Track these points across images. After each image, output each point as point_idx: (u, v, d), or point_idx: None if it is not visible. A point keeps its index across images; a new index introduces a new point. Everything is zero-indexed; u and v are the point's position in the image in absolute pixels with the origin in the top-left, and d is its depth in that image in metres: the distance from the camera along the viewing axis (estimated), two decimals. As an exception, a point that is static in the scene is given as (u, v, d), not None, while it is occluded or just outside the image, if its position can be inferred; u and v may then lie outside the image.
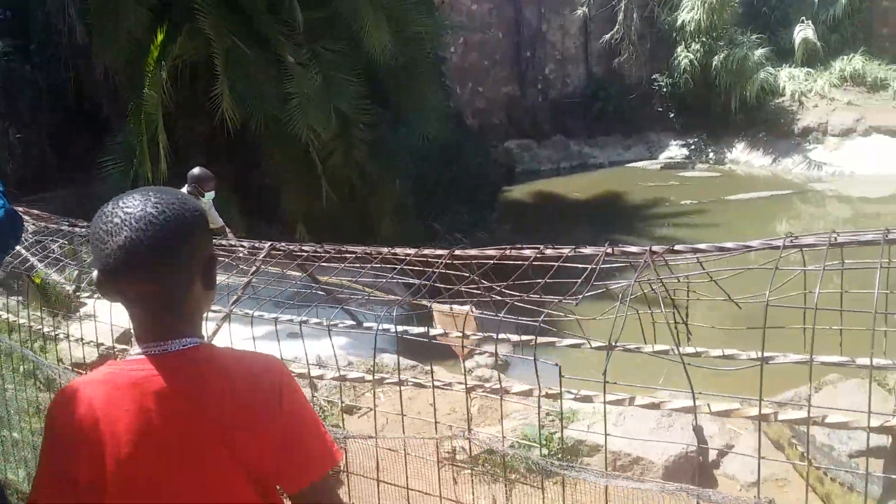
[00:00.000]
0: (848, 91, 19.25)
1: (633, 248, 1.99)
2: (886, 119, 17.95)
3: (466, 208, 12.56)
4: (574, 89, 22.85)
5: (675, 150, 21.59)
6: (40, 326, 5.61)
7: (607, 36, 21.85)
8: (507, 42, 22.32)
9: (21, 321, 5.57)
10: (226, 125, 10.92)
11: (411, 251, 2.40)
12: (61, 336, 5.41)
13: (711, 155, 20.72)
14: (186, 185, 7.37)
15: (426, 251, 2.42)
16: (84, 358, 5.71)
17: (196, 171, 7.53)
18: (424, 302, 2.72)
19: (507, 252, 2.08)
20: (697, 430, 4.81)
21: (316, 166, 11.53)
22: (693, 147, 21.20)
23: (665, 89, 21.55)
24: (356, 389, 6.23)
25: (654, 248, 1.82)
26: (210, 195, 7.37)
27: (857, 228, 14.65)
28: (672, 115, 21.86)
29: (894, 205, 16.24)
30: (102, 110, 13.67)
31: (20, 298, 6.02)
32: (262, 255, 2.95)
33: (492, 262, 2.16)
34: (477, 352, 6.99)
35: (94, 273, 1.38)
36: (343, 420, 5.71)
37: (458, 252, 2.25)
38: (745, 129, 20.33)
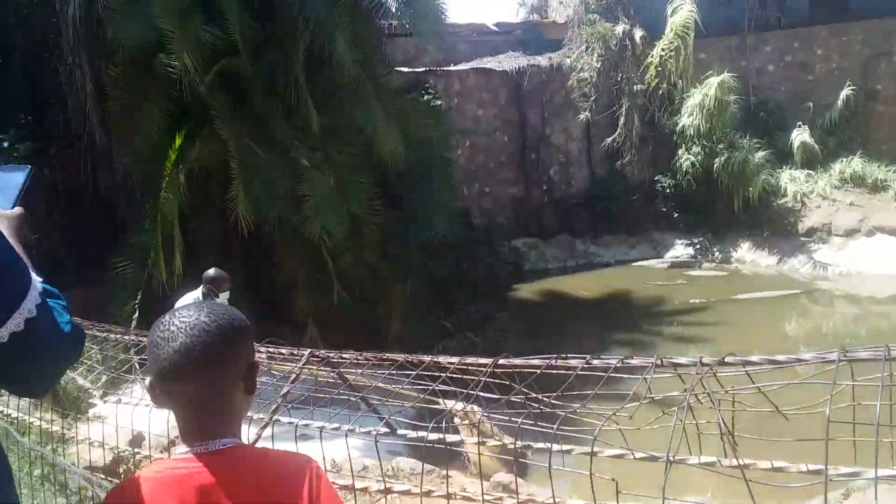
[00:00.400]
0: (849, 192, 19.58)
1: (683, 360, 1.98)
2: (889, 219, 18.18)
3: (476, 307, 12.59)
4: (578, 190, 23.28)
5: (680, 250, 21.77)
6: (54, 428, 5.56)
7: (609, 139, 22.40)
8: (512, 145, 22.94)
9: (33, 421, 5.51)
10: (239, 226, 11.11)
11: (454, 359, 2.40)
12: (73, 438, 5.35)
13: (717, 254, 20.87)
14: (202, 286, 7.40)
15: (469, 360, 2.42)
16: (97, 460, 5.61)
17: (212, 272, 7.58)
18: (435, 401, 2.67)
19: (553, 362, 2.08)
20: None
21: (328, 266, 11.65)
22: (698, 246, 21.39)
23: (668, 190, 21.94)
24: (371, 496, 6.09)
25: (705, 360, 1.82)
26: (225, 296, 7.39)
27: (870, 328, 14.60)
28: (676, 214, 22.16)
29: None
30: (118, 212, 13.94)
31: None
32: (301, 363, 2.98)
33: (538, 371, 2.15)
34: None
35: (149, 379, 1.51)
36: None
37: (501, 361, 2.25)
38: (749, 229, 20.56)
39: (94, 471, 5.55)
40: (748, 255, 20.31)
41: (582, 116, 22.52)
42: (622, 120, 22.28)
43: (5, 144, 13.37)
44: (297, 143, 11.52)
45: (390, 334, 11.65)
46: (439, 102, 19.98)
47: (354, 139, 12.24)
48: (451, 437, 2.96)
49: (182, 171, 11.00)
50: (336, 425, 3.27)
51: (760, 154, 20.06)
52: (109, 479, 5.41)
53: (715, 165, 20.26)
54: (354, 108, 12.15)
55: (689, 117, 20.63)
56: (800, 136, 20.41)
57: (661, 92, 21.73)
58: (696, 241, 21.51)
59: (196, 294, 7.32)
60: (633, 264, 21.49)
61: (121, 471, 5.77)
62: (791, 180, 20.05)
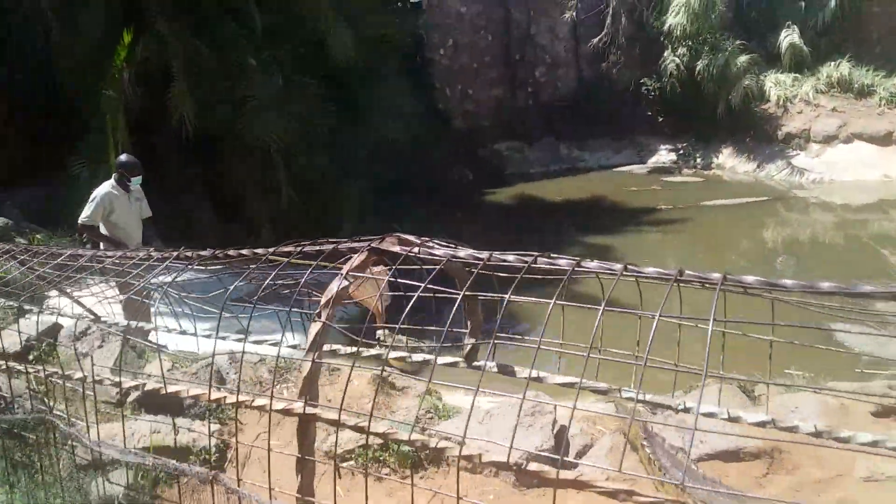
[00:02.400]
0: (834, 97, 19.13)
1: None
2: (869, 126, 17.84)
3: (428, 209, 12.72)
4: (564, 92, 22.91)
5: (664, 155, 21.57)
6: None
7: (596, 39, 21.87)
8: (496, 44, 22.43)
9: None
10: (184, 128, 11.16)
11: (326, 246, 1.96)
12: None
13: (699, 160, 20.69)
14: (114, 173, 7.52)
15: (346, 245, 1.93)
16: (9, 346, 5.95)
17: (122, 157, 7.71)
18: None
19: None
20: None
21: (278, 169, 11.75)
22: (681, 152, 21.19)
23: (654, 93, 21.56)
24: (261, 385, 6.41)
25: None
26: (137, 180, 7.48)
27: (833, 236, 14.58)
28: (661, 119, 21.85)
29: (875, 212, 16.21)
30: (80, 113, 13.98)
31: None
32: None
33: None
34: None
35: None
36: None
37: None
38: (731, 134, 20.29)
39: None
40: (729, 161, 20.11)
41: (567, 15, 21.92)
42: (609, 19, 21.68)
43: (-38, 43, 13.34)
44: (244, 42, 11.40)
45: (342, 234, 11.83)
46: (418, -1, 19.53)
47: (303, 39, 12.09)
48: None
49: (127, 71, 10.97)
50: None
51: (744, 57, 19.52)
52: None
53: (698, 68, 19.80)
54: (302, 5, 11.94)
55: (675, 17, 20.01)
56: (788, 37, 19.80)
57: (649, -11, 21.03)
58: (679, 146, 21.29)
59: (111, 182, 7.48)
60: (616, 169, 21.37)
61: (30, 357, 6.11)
62: (776, 84, 19.59)
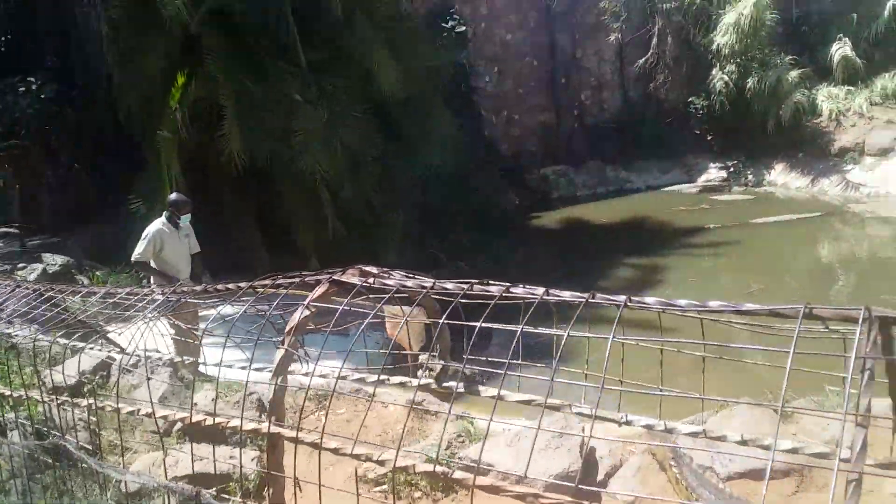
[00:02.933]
0: (889, 108, 18.75)
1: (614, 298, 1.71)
2: (925, 137, 17.43)
3: (472, 236, 12.89)
4: (610, 114, 22.93)
5: (713, 173, 21.37)
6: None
7: (642, 60, 21.88)
8: (541, 70, 22.62)
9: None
10: (233, 162, 11.56)
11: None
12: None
13: (750, 177, 20.45)
14: (165, 211, 7.90)
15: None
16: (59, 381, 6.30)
17: (173, 196, 8.09)
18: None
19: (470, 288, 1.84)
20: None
21: (324, 200, 12.08)
22: (731, 170, 20.97)
23: (701, 112, 21.41)
24: (302, 412, 6.64)
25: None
26: (186, 218, 7.86)
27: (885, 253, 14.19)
28: (710, 137, 21.67)
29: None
30: (140, 150, 14.65)
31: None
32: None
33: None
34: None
35: None
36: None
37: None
38: (782, 151, 20.01)
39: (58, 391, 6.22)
40: (780, 178, 19.82)
41: (612, 38, 22.00)
42: (655, 40, 21.70)
43: (34, 87, 14.14)
44: (290, 77, 11.83)
45: (386, 263, 12.09)
46: (463, 28, 19.85)
47: (349, 72, 12.46)
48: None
49: (180, 111, 11.48)
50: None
51: (795, 73, 19.31)
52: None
53: (748, 85, 19.63)
54: (348, 41, 12.34)
55: (723, 36, 19.93)
56: (840, 50, 19.53)
57: (695, 8, 20.97)
58: (729, 164, 21.08)
59: (162, 219, 7.87)
60: (664, 189, 21.26)
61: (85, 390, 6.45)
62: (828, 98, 19.30)
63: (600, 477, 5.18)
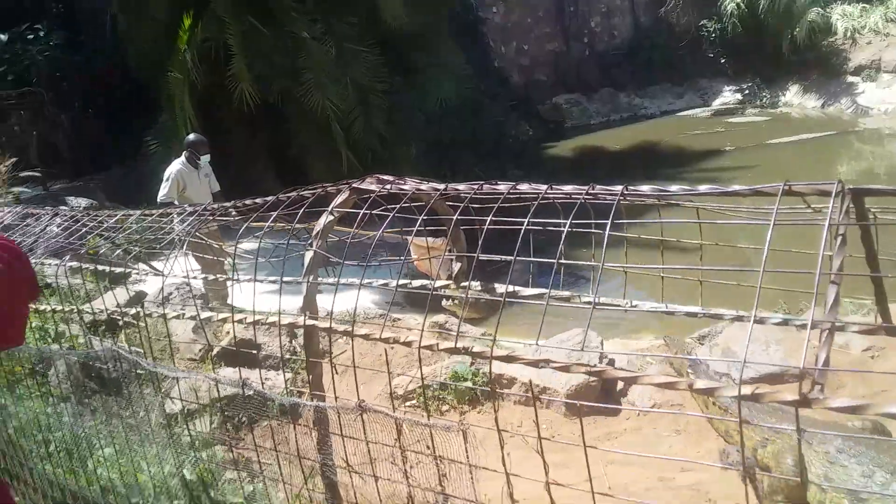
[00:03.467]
0: (906, 24, 18.35)
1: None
2: (944, 51, 17.10)
3: (485, 167, 12.95)
4: (621, 41, 22.60)
5: (728, 96, 21.17)
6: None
7: (652, -16, 21.45)
8: (549, -2, 22.24)
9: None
10: (252, 102, 11.64)
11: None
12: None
13: (765, 99, 20.21)
14: (184, 151, 8.02)
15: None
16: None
17: (191, 136, 8.20)
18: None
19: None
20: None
21: (337, 135, 12.16)
22: (747, 92, 20.74)
23: (714, 35, 21.07)
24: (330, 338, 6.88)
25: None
26: (206, 158, 7.97)
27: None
28: (723, 60, 21.37)
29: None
30: (151, 95, 14.72)
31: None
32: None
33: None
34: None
35: None
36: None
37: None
38: (797, 71, 19.72)
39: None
40: (796, 98, 19.58)
41: (620, -38, 21.54)
42: (665, -38, 21.21)
43: (41, 33, 14.18)
44: (296, 15, 11.78)
45: (400, 197, 12.23)
46: (468, -42, 19.51)
47: (356, 7, 12.39)
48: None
49: (189, 52, 11.50)
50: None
51: (808, -10, 18.88)
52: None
53: (760, 6, 19.23)
54: (353, -24, 12.24)
55: (732, -46, 19.46)
56: (855, -35, 19.03)
57: (706, -74, 20.44)
58: (744, 86, 20.84)
59: (181, 160, 8.00)
60: (679, 114, 21.08)
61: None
62: (843, 16, 18.90)
63: (620, 386, 5.40)
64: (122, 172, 13.55)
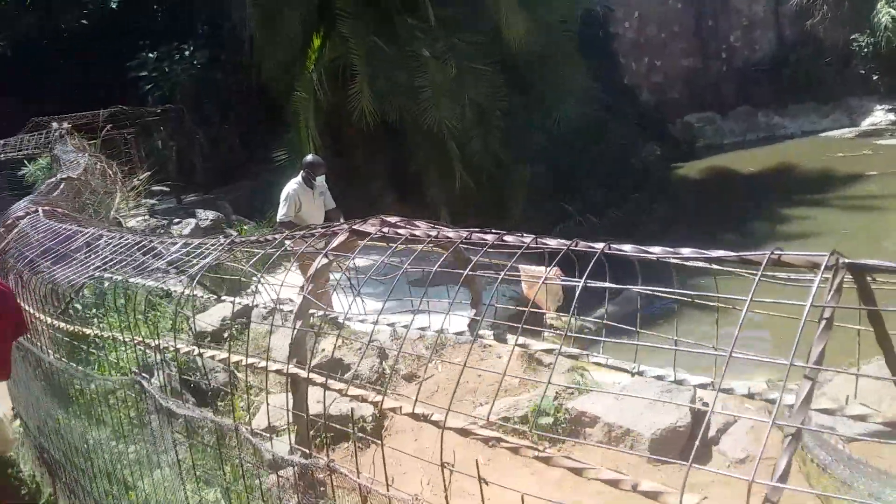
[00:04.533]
0: None
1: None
2: None
3: (607, 188, 12.62)
4: (763, 56, 21.48)
5: (879, 116, 19.68)
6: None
7: (799, -5, 20.26)
8: (686, 12, 21.48)
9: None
10: (372, 120, 11.90)
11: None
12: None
13: (922, 120, 18.66)
14: (301, 171, 8.25)
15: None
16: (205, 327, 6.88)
17: (308, 157, 8.42)
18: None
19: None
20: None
21: (452, 154, 12.21)
22: (901, 111, 19.21)
23: (866, 49, 19.62)
24: (419, 360, 6.88)
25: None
26: (321, 179, 8.17)
27: None
28: (875, 77, 19.88)
29: None
30: (281, 113, 15.39)
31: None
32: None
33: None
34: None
35: None
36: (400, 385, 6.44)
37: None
38: (960, 90, 18.05)
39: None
40: (957, 120, 17.93)
41: (765, -27, 20.49)
42: (813, -28, 19.98)
43: (186, 53, 15.17)
44: (419, 34, 11.94)
45: (514, 217, 12.14)
46: (600, -26, 19.17)
47: (478, 27, 12.41)
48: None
49: (315, 72, 11.91)
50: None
51: (977, 1, 17.24)
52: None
53: (919, 18, 17.77)
54: (478, -3, 12.28)
55: (889, -35, 18.07)
56: None
57: (859, -64, 19.10)
58: (898, 106, 19.31)
59: (297, 179, 8.26)
60: (822, 135, 19.81)
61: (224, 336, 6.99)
62: None
63: (711, 433, 5.06)
64: (251, 186, 14.21)
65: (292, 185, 8.21)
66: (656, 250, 1.45)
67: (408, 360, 6.94)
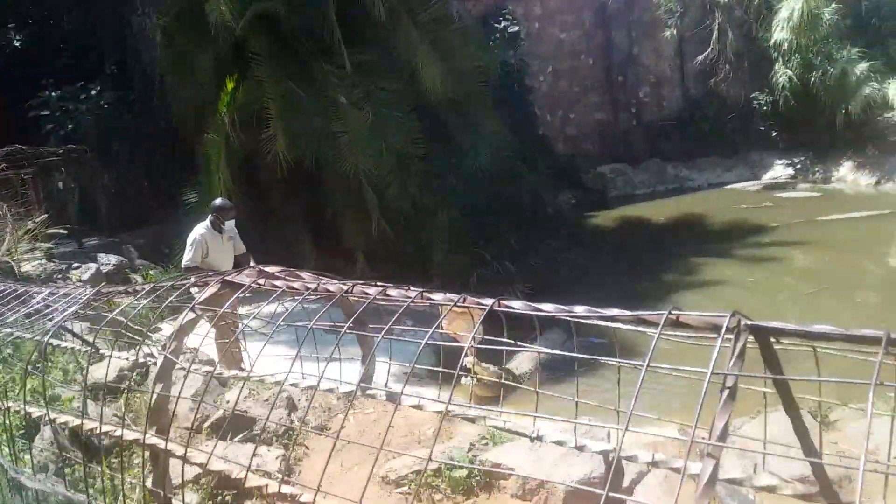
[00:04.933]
0: (969, 100, 17.73)
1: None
2: None
3: (522, 236, 12.69)
4: (670, 112, 22.36)
5: (779, 170, 20.63)
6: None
7: (702, 56, 21.27)
8: (597, 68, 22.23)
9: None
10: (286, 165, 11.67)
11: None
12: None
13: (818, 174, 19.67)
14: (210, 215, 7.95)
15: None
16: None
17: (217, 202, 8.13)
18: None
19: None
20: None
21: (369, 200, 12.07)
22: (798, 166, 20.21)
23: (766, 108, 20.70)
24: (330, 411, 6.60)
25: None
26: (230, 223, 7.90)
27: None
28: (775, 133, 20.94)
29: None
30: (195, 153, 14.96)
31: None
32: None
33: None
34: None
35: None
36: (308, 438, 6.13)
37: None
38: (852, 147, 19.17)
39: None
40: (849, 175, 18.99)
41: (667, 33, 21.43)
42: (715, 35, 21.05)
43: (93, 93, 14.60)
44: (335, 80, 11.86)
45: (432, 263, 12.03)
46: (516, 28, 19.65)
47: (395, 74, 12.44)
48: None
49: (228, 115, 11.63)
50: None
51: (863, 65, 18.42)
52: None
53: (812, 80, 18.86)
54: (394, 43, 12.32)
55: (780, 32, 19.19)
56: (913, 40, 18.55)
57: (755, 2, 20.25)
58: (796, 160, 20.32)
59: (205, 223, 7.93)
60: (727, 187, 20.61)
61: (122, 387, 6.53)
62: (900, 91, 18.35)
63: (626, 483, 4.96)
64: (158, 230, 13.65)
65: (200, 229, 7.92)
66: (549, 308, 1.33)
67: (317, 412, 6.65)
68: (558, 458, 4.90)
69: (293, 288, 1.63)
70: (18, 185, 11.41)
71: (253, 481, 1.38)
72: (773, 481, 1.57)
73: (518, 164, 14.12)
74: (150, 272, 11.88)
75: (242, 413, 6.02)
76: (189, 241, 7.84)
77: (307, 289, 1.59)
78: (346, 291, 1.53)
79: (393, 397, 1.87)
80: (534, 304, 1.30)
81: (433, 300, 1.44)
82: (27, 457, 4.54)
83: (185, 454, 1.50)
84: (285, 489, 1.35)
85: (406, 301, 1.45)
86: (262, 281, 1.69)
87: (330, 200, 12.78)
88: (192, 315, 1.72)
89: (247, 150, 12.41)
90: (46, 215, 10.48)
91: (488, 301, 1.32)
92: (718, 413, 1.03)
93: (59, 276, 10.61)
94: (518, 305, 1.31)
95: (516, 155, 14.38)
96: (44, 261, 10.42)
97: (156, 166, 14.48)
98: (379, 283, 1.61)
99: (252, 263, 8.34)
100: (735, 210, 17.66)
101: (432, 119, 12.90)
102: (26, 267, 10.44)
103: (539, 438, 1.61)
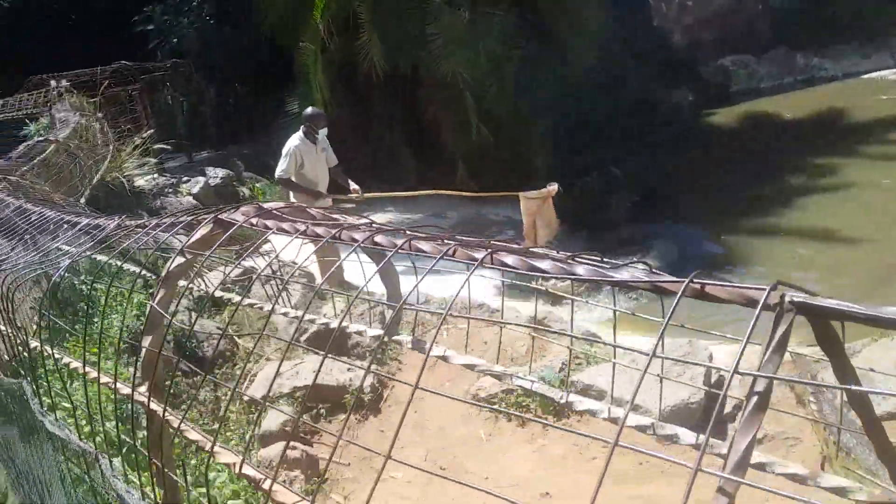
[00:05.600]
0: None
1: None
2: None
3: (627, 139, 11.96)
4: (803, -7, 20.26)
5: (926, 56, 18.54)
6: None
7: (841, -73, 18.98)
8: (721, -53, 20.30)
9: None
10: (382, 71, 11.37)
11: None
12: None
13: (977, 59, 17.51)
14: (302, 126, 7.81)
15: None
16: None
17: (309, 110, 7.94)
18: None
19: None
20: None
21: (469, 105, 11.63)
22: (953, 50, 18.06)
23: (913, -16, 18.38)
24: (423, 325, 6.46)
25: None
26: (323, 132, 7.73)
27: None
28: (925, 12, 18.65)
29: None
30: (293, 63, 14.85)
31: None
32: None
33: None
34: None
35: None
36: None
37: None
38: None
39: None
40: None
41: None
42: None
43: (194, 4, 14.62)
44: (431, -21, 11.31)
45: (533, 171, 11.58)
46: None
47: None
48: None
49: (322, 22, 11.34)
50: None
51: None
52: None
53: (973, -53, 16.51)
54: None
55: None
56: None
57: None
58: (950, 44, 18.14)
59: (299, 134, 7.82)
60: (865, 77, 18.74)
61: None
62: None
63: (728, 409, 4.60)
64: (263, 142, 13.77)
65: (294, 140, 7.77)
66: (546, 265, 0.98)
67: (408, 326, 6.56)
68: (654, 382, 4.57)
69: (283, 229, 1.38)
70: (126, 101, 11.68)
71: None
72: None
73: (627, 58, 13.18)
74: (257, 185, 12.05)
75: (343, 328, 5.99)
76: (283, 151, 7.75)
77: (296, 230, 1.35)
78: (334, 236, 1.28)
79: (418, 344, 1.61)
80: (530, 261, 1.00)
81: (422, 250, 1.18)
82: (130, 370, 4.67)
83: (181, 423, 1.32)
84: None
85: (392, 249, 1.19)
86: (254, 220, 1.45)
87: (428, 107, 12.42)
88: (180, 259, 1.50)
89: (343, 58, 12.17)
90: (154, 130, 10.68)
91: (479, 254, 1.03)
92: (740, 429, 0.70)
93: (170, 189, 10.88)
94: (511, 260, 1.01)
95: (625, 49, 13.42)
96: (155, 175, 10.70)
97: (258, 78, 14.48)
98: (364, 228, 1.37)
99: (346, 178, 8.23)
100: (873, 103, 16.00)
101: (533, 17, 12.15)
102: (139, 182, 10.77)
103: (569, 404, 1.34)
